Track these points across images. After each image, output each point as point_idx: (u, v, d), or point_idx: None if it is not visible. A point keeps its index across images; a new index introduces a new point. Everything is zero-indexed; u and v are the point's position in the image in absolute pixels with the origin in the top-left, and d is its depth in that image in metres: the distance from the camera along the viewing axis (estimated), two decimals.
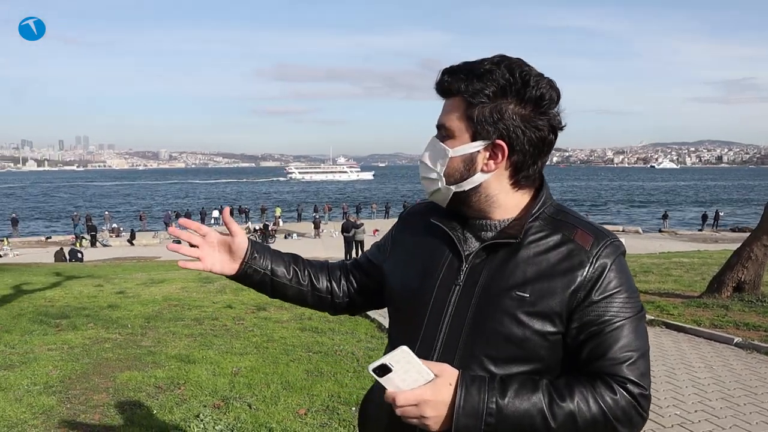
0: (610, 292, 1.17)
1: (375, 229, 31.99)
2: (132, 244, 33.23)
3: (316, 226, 36.22)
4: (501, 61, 1.19)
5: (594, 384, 1.13)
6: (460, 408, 1.08)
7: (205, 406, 4.37)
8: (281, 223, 41.97)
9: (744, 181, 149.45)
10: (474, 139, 1.22)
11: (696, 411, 4.66)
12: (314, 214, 44.51)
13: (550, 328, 1.18)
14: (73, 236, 34.14)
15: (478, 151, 1.22)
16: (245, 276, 1.42)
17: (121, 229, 38.25)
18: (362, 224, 24.27)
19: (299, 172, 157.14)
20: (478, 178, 1.24)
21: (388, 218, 44.77)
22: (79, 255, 25.33)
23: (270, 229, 34.95)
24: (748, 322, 7.58)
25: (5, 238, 33.38)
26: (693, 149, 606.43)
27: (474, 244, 1.28)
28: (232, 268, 1.41)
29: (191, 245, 1.37)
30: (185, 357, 5.76)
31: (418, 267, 1.33)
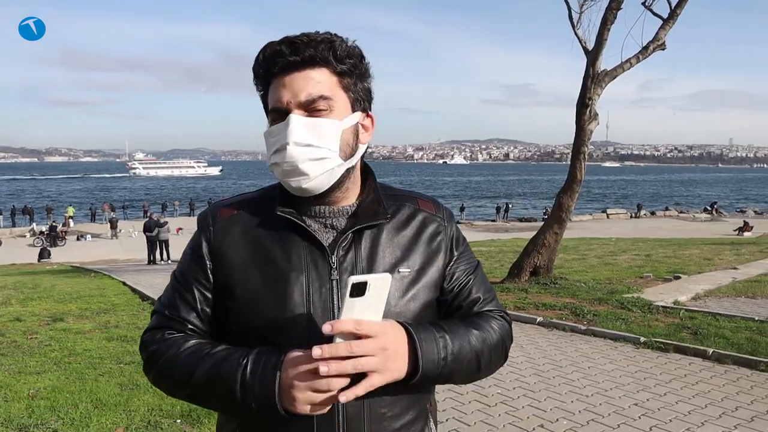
0: (463, 247, 1.31)
1: (178, 228, 30.40)
2: None
3: (113, 226, 33.59)
4: (338, 36, 1.15)
5: (481, 318, 1.24)
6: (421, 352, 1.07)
7: None
8: (72, 224, 38.18)
9: (530, 176, 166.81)
10: (353, 109, 1.17)
11: (515, 388, 4.99)
12: (111, 213, 41.23)
13: (434, 295, 1.22)
14: None
15: (357, 123, 1.19)
16: None
17: None
18: (166, 222, 22.50)
19: (143, 168, 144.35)
20: (360, 151, 1.20)
21: (192, 215, 42.82)
22: None
23: (60, 230, 31.61)
24: (545, 303, 8.38)
25: None
26: (484, 147, 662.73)
27: (328, 234, 1.19)
28: None
29: None
30: None
31: (271, 274, 1.14)
